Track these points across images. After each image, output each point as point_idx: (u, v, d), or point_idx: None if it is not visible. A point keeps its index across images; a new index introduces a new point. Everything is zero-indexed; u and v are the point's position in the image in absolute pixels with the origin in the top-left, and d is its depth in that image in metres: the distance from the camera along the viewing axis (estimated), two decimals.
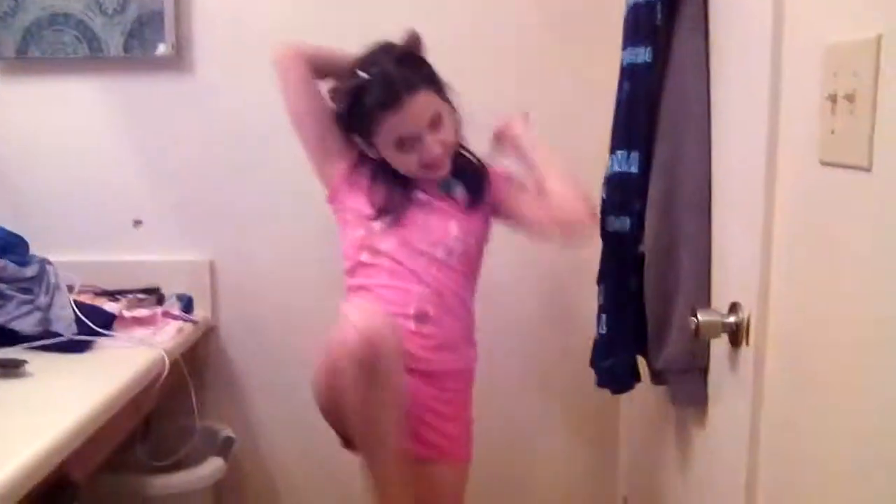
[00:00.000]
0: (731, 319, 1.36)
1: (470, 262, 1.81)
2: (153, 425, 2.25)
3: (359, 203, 1.78)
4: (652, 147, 1.63)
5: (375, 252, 1.75)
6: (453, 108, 1.76)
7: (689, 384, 1.58)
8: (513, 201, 1.81)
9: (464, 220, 1.78)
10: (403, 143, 1.68)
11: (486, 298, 1.88)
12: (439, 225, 1.76)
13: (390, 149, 1.70)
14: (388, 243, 1.74)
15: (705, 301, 1.52)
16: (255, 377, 2.43)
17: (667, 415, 1.84)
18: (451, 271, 1.76)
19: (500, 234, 1.88)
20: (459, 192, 1.80)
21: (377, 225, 1.75)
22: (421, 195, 1.78)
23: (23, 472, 1.26)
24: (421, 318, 1.71)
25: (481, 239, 1.84)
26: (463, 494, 1.81)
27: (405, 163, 1.71)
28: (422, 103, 1.66)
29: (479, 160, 1.86)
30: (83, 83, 2.30)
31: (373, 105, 1.65)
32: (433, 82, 1.71)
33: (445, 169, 1.74)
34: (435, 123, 1.68)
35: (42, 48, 2.27)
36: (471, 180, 1.81)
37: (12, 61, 2.30)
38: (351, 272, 1.79)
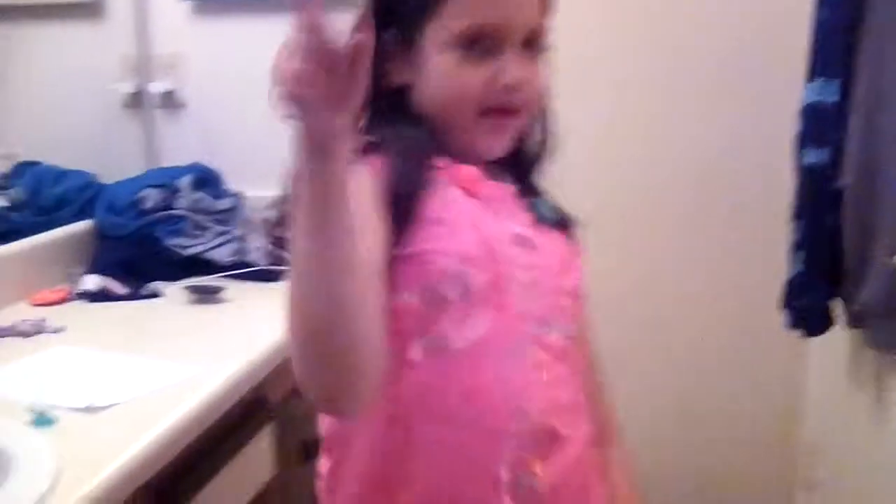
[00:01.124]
0: None
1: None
2: None
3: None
4: (852, 75, 1.54)
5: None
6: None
7: (890, 328, 1.50)
8: None
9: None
10: (476, 43, 0.97)
11: (667, 237, 1.82)
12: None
13: (450, 49, 0.97)
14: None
15: None
16: None
17: (862, 360, 1.75)
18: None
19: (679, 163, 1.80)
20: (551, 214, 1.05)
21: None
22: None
23: (224, 389, 1.33)
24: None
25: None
26: None
27: (464, 81, 0.97)
28: None
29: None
30: (269, 21, 2.36)
31: None
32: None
33: (520, 123, 1.02)
34: (532, 45, 1.00)
35: None
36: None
37: (202, 2, 2.38)
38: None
